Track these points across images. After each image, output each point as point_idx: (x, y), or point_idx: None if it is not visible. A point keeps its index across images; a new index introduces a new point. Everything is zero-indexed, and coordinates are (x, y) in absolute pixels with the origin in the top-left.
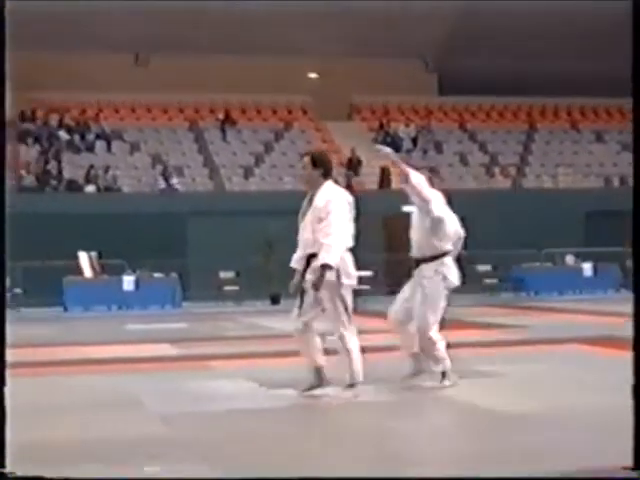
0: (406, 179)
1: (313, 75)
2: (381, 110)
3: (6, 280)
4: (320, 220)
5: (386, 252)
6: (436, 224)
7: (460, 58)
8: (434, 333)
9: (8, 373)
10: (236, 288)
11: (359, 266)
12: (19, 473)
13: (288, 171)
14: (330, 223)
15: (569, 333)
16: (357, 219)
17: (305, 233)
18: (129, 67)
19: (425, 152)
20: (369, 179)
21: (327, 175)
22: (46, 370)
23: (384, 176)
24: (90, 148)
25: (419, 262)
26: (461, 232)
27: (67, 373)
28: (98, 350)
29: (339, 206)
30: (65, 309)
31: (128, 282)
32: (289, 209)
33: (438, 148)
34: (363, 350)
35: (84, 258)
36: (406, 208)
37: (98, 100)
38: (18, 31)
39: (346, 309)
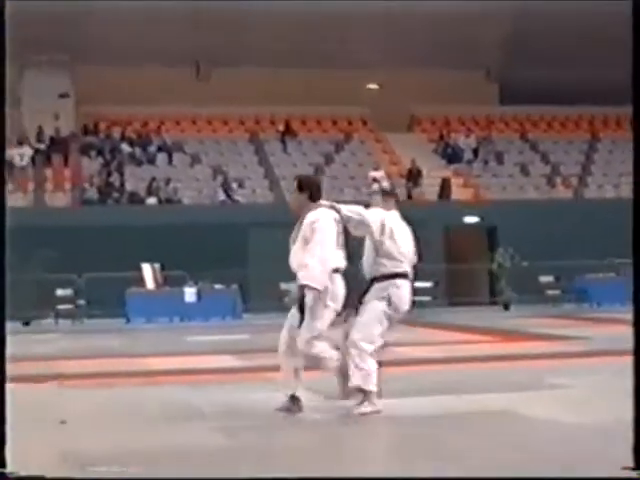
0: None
1: (373, 86)
2: (441, 121)
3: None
4: (306, 241)
5: (447, 263)
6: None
7: (521, 67)
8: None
9: (72, 384)
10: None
11: (419, 277)
12: (22, 473)
13: (348, 182)
14: (315, 243)
15: (632, 345)
16: (417, 230)
17: (296, 258)
18: (190, 80)
19: (486, 163)
20: (429, 190)
21: (313, 198)
22: (110, 381)
23: (444, 187)
24: (151, 160)
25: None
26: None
27: (130, 384)
28: (160, 362)
29: (324, 226)
30: (127, 320)
31: (190, 294)
32: None
33: (499, 159)
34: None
35: (147, 270)
36: (468, 219)
37: (160, 113)
38: (81, 47)
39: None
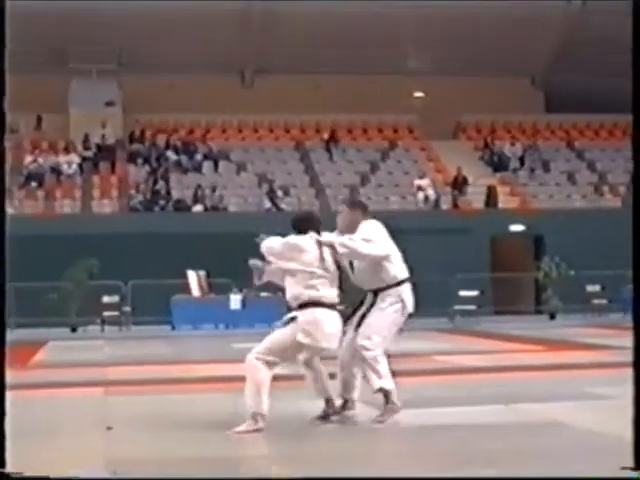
0: (334, 250)
1: (419, 94)
2: (487, 128)
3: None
4: None
5: (493, 271)
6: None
7: (567, 75)
8: None
9: (119, 390)
10: (340, 306)
11: (465, 286)
12: (27, 474)
13: (394, 190)
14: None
15: None
16: (463, 239)
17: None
18: (235, 88)
19: (532, 171)
20: (475, 198)
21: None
22: (156, 388)
23: (491, 195)
24: (197, 168)
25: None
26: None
27: (177, 392)
28: (207, 369)
29: None
30: (173, 327)
31: (235, 301)
32: (395, 228)
33: (545, 167)
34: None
35: (193, 277)
36: (514, 227)
37: (205, 120)
38: (128, 55)
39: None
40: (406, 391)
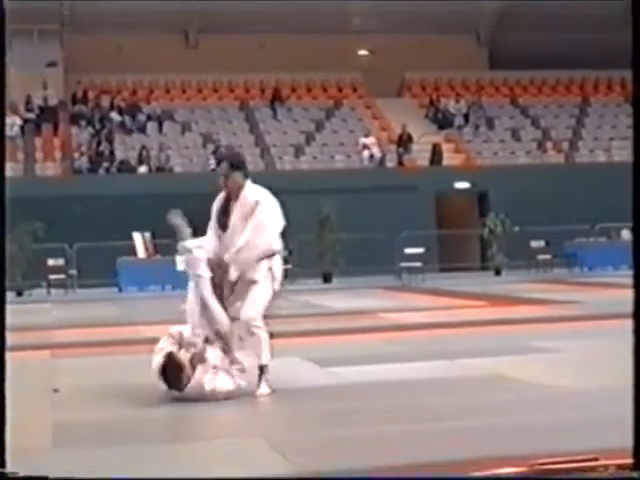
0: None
1: (364, 52)
2: (432, 86)
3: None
4: None
5: (438, 229)
6: None
7: (511, 32)
8: None
9: (65, 353)
10: (289, 266)
11: (411, 243)
12: (21, 473)
13: (339, 149)
14: None
15: (624, 308)
16: (408, 196)
17: None
18: (179, 48)
19: (477, 128)
20: (420, 156)
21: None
22: (102, 350)
23: (435, 152)
24: (142, 129)
25: None
26: None
27: (123, 353)
28: (154, 330)
29: None
30: (119, 289)
31: (181, 262)
32: (340, 187)
33: (490, 124)
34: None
35: (138, 239)
36: (459, 184)
37: (149, 81)
38: (69, 15)
39: None
40: (353, 348)
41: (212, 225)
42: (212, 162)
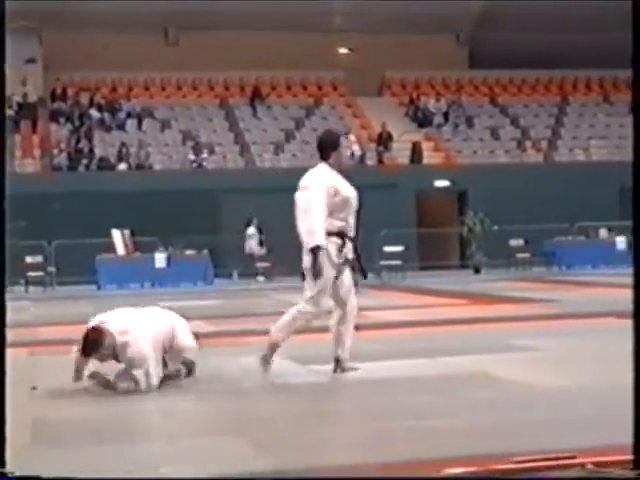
0: None
1: (344, 50)
2: (412, 85)
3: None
4: None
5: (418, 227)
6: None
7: (491, 32)
8: None
9: (44, 351)
10: (267, 264)
11: (390, 241)
12: (18, 473)
13: None
14: None
15: (603, 307)
16: (388, 194)
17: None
18: (159, 45)
19: (456, 127)
20: (400, 154)
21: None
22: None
23: (415, 151)
24: (121, 126)
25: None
26: None
27: None
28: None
29: None
30: (98, 287)
31: (160, 259)
32: None
33: (469, 122)
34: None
35: (117, 236)
36: (438, 183)
37: (128, 78)
38: (49, 12)
39: None
40: (324, 348)
41: None
42: (192, 158)
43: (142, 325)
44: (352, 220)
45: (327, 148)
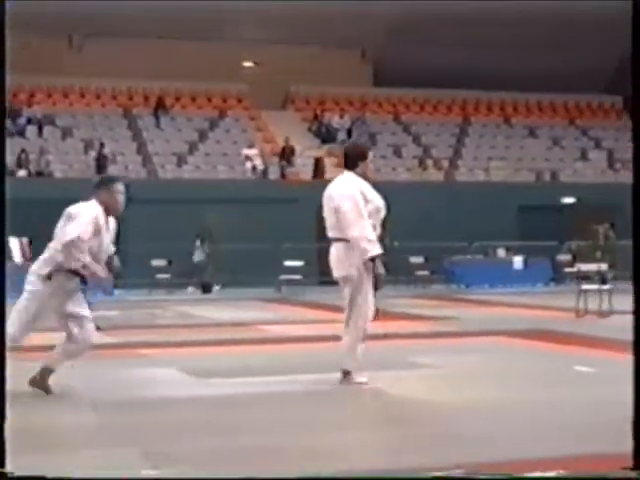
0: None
1: (249, 64)
2: (316, 100)
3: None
4: None
5: (318, 242)
6: None
7: (396, 49)
8: None
9: None
10: (168, 276)
11: (291, 256)
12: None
13: (222, 160)
14: None
15: (499, 325)
16: (290, 209)
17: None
18: (62, 51)
19: None
20: (303, 169)
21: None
22: None
23: (318, 166)
24: (21, 132)
25: None
26: None
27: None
28: (30, 338)
29: None
30: None
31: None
32: (223, 198)
33: (372, 139)
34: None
35: (14, 243)
36: None
37: (30, 84)
38: None
39: None
40: (231, 359)
41: None
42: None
43: None
44: (378, 229)
45: (356, 158)
